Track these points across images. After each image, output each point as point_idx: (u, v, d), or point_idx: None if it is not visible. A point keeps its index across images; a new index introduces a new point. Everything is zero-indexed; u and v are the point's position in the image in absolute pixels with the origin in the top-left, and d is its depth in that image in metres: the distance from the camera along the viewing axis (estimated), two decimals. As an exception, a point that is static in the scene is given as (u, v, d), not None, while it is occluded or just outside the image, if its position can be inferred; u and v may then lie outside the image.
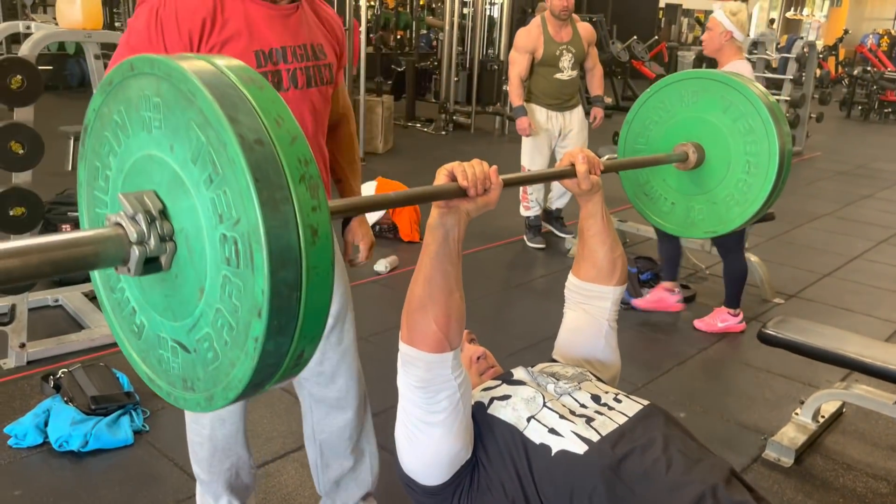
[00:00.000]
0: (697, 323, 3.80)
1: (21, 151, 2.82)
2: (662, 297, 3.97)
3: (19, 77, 2.78)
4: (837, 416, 2.93)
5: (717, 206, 1.82)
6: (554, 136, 4.79)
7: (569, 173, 1.49)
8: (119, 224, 0.85)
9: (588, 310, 1.62)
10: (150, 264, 0.88)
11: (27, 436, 2.49)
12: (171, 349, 0.95)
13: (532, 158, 4.82)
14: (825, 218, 6.18)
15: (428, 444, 1.30)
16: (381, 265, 4.36)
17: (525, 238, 5.03)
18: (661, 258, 3.99)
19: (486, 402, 1.41)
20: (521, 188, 4.91)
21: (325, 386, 1.92)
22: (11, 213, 2.83)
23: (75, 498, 2.26)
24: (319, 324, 0.87)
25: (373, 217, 4.92)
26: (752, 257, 4.26)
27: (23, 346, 3.03)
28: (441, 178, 1.22)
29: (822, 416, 2.82)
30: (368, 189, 5.02)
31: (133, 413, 2.64)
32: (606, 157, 4.73)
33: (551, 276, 4.52)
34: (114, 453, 2.47)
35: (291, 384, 2.15)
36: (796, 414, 2.80)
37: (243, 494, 1.98)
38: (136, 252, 0.85)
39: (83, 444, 2.45)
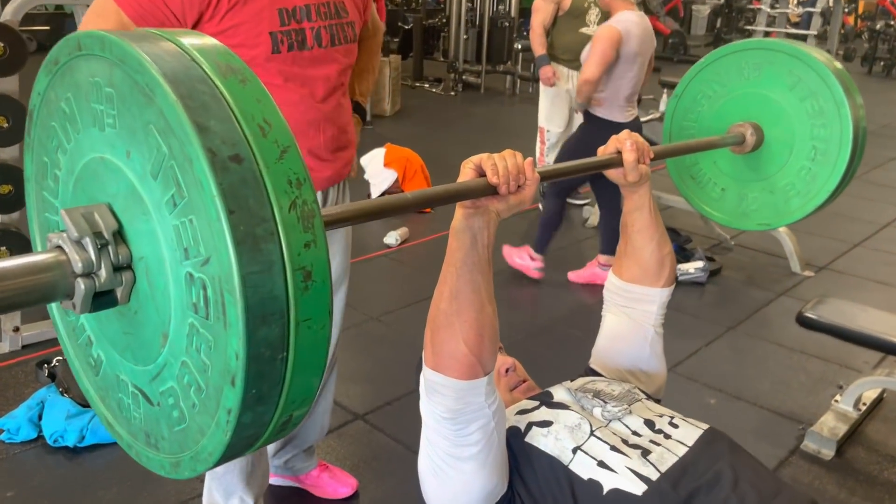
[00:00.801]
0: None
1: (6, 125, 2.63)
2: (596, 272, 3.67)
3: (1, 45, 2.57)
4: (878, 402, 2.76)
5: (775, 196, 1.65)
6: (573, 97, 4.54)
7: (614, 162, 1.30)
8: (61, 248, 0.67)
9: (631, 314, 1.44)
10: (103, 298, 0.70)
11: (20, 430, 2.34)
12: (133, 396, 0.78)
13: (550, 118, 4.58)
14: (853, 183, 5.93)
15: (458, 479, 1.13)
16: (392, 237, 4.17)
17: (540, 206, 4.82)
18: (601, 230, 3.75)
19: (522, 428, 1.23)
20: (537, 151, 4.69)
21: None
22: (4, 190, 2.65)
23: (71, 499, 2.12)
24: (311, 387, 0.70)
25: (381, 186, 4.73)
26: (780, 227, 4.06)
27: (17, 329, 2.87)
28: (467, 174, 1.04)
29: (864, 404, 2.65)
30: (377, 156, 4.82)
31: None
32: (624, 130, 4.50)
33: (568, 248, 4.33)
34: (112, 449, 2.32)
35: None
36: (836, 401, 2.62)
37: (257, 491, 1.89)
38: (81, 286, 0.67)
39: (79, 438, 2.30)
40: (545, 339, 3.21)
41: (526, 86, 9.05)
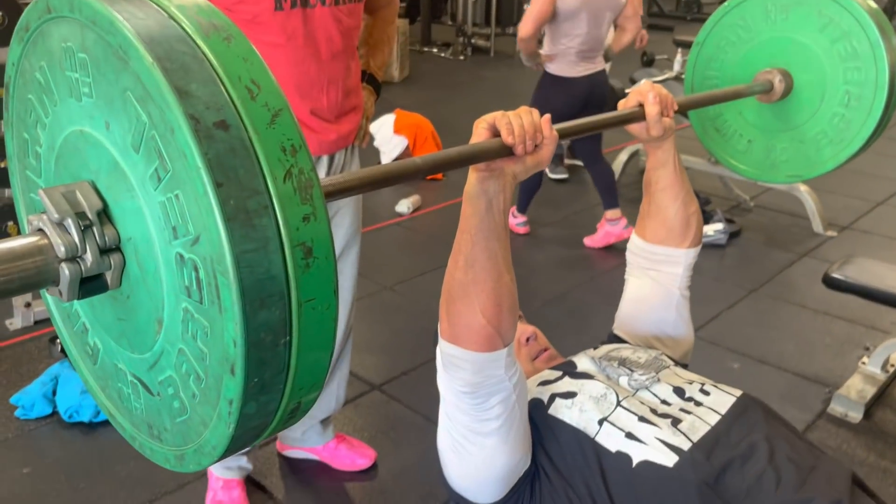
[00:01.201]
0: (587, 241, 3.71)
1: (8, 96, 2.57)
2: (608, 230, 3.67)
3: (0, 13, 2.50)
4: (905, 362, 2.70)
5: (805, 146, 1.56)
6: None
7: (637, 116, 1.21)
8: (42, 231, 0.62)
9: (656, 277, 1.37)
10: (91, 283, 0.64)
11: (35, 406, 2.32)
12: (132, 385, 0.73)
13: None
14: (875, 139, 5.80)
15: (480, 455, 1.09)
16: (403, 206, 4.10)
17: (546, 168, 4.73)
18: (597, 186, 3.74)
19: (545, 399, 1.18)
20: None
21: None
22: (2, 164, 2.60)
23: (89, 474, 2.11)
24: (321, 372, 0.64)
25: (391, 153, 4.66)
26: (801, 186, 3.97)
27: (28, 305, 2.85)
28: (481, 134, 0.96)
29: (892, 366, 2.59)
30: (386, 123, 4.74)
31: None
32: (643, 80, 4.40)
33: (582, 212, 4.25)
34: (128, 424, 2.31)
35: None
36: (863, 363, 2.56)
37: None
38: (66, 272, 0.62)
39: (94, 414, 2.28)
40: (564, 306, 3.16)
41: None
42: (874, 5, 1.47)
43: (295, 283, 0.58)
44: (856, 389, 2.46)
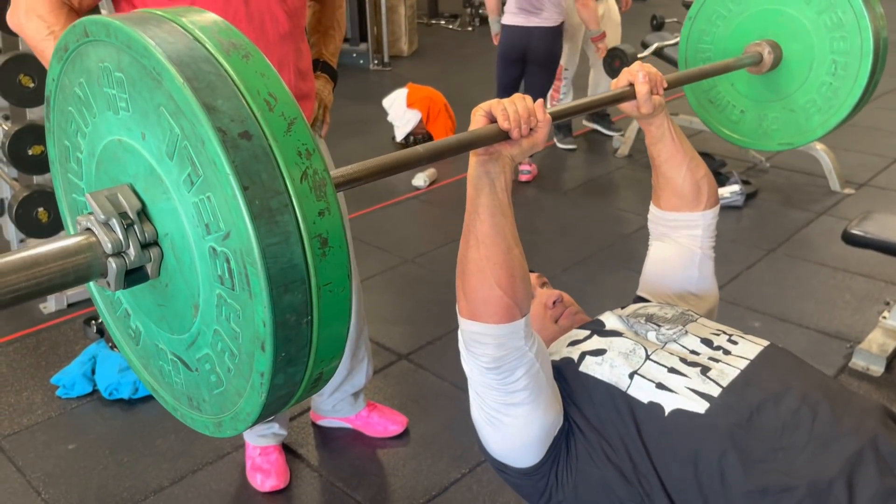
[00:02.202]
0: None
1: (32, 84, 2.61)
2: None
3: (19, 3, 2.53)
4: (926, 315, 2.72)
5: (796, 115, 1.61)
6: (584, 31, 4.39)
7: (627, 95, 1.27)
8: (90, 230, 0.70)
9: (677, 239, 1.41)
10: (134, 274, 0.73)
11: (75, 385, 2.39)
12: (172, 363, 0.81)
13: (570, 58, 4.48)
14: (888, 95, 5.73)
15: (514, 424, 1.12)
16: (420, 179, 4.13)
17: (556, 140, 4.72)
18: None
19: (575, 358, 1.21)
20: (552, 86, 4.58)
21: None
22: (30, 152, 2.65)
23: (131, 448, 2.19)
24: (339, 345, 0.73)
25: (405, 128, 4.68)
26: (817, 145, 3.95)
27: (61, 289, 2.92)
28: (478, 121, 1.03)
29: (913, 319, 2.61)
30: (399, 98, 4.75)
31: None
32: (655, 44, 4.35)
33: (600, 178, 4.27)
34: (166, 399, 2.38)
35: None
36: (884, 317, 2.58)
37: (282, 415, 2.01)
38: (113, 265, 0.70)
39: (133, 391, 2.36)
40: (585, 271, 3.19)
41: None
42: None
43: (314, 270, 0.66)
44: (877, 343, 2.49)
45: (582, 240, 3.50)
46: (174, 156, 0.67)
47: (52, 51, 1.36)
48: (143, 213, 0.71)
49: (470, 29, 8.72)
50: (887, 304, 2.64)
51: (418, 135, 4.70)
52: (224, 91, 0.63)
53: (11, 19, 1.44)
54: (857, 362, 2.47)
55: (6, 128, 2.69)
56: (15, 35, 2.59)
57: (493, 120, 1.03)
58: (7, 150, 2.62)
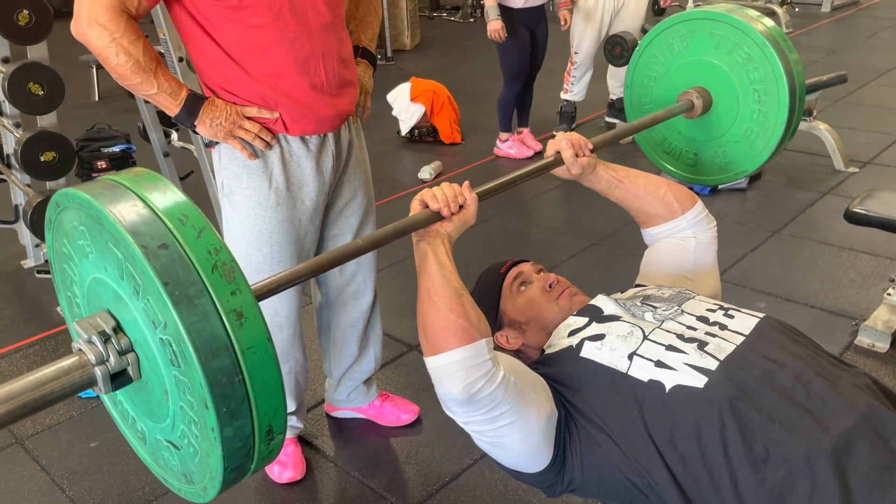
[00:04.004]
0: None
1: (41, 92, 2.66)
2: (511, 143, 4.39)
3: (26, 12, 2.59)
4: (930, 291, 2.74)
5: (741, 144, 1.75)
6: (608, 12, 4.38)
7: (555, 162, 1.43)
8: (80, 350, 0.89)
9: (670, 240, 1.49)
10: (120, 378, 0.91)
11: (95, 385, 2.46)
12: (167, 448, 0.98)
13: (575, 40, 4.49)
14: (892, 73, 5.71)
15: (515, 440, 1.16)
16: (426, 172, 4.17)
17: (554, 132, 4.76)
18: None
19: (575, 345, 1.24)
20: (566, 69, 4.60)
21: (345, 284, 2.04)
22: (42, 158, 2.71)
23: (151, 444, 2.24)
24: (277, 398, 0.88)
25: (410, 121, 4.71)
26: (819, 125, 3.96)
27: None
28: (415, 208, 1.23)
29: (917, 295, 2.63)
30: (403, 92, 4.78)
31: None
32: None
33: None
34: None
35: (309, 285, 2.18)
36: (888, 294, 2.60)
37: (299, 395, 2.09)
38: (98, 372, 0.88)
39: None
40: (590, 259, 3.23)
41: (548, 5, 8.81)
42: (752, 13, 1.67)
43: (235, 338, 0.83)
44: (882, 320, 2.52)
45: (588, 227, 3.53)
46: (123, 275, 0.86)
47: (115, 58, 1.42)
48: (119, 328, 0.90)
49: (472, 20, 8.74)
50: (892, 280, 2.66)
51: (423, 127, 4.74)
52: (146, 218, 0.83)
53: (75, 29, 1.50)
54: (863, 339, 2.50)
55: (18, 135, 2.75)
56: (23, 44, 2.65)
57: (427, 206, 1.21)
58: (20, 156, 2.68)
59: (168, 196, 0.86)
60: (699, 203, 1.48)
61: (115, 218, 0.82)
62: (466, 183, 1.24)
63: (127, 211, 0.83)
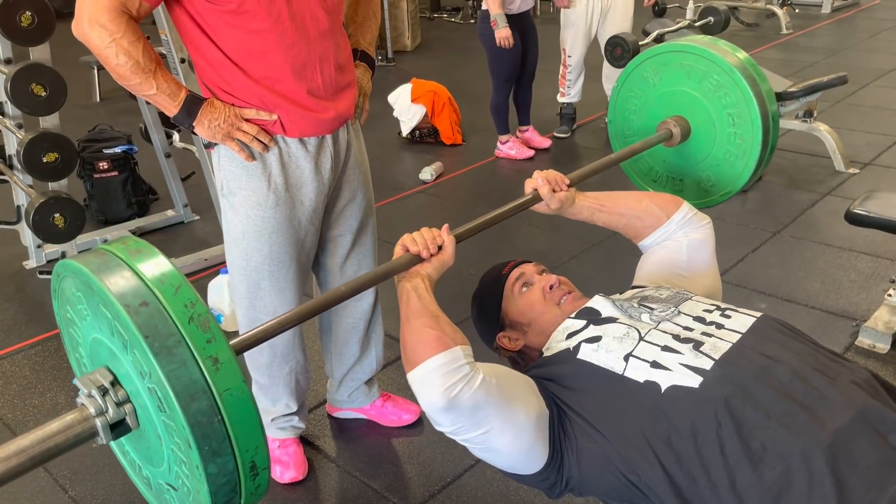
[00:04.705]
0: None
1: (44, 94, 2.67)
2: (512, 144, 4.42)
3: (28, 13, 2.59)
4: (931, 291, 2.74)
5: (722, 167, 1.82)
6: (596, 14, 4.41)
7: (534, 199, 1.49)
8: (82, 404, 0.98)
9: (664, 244, 1.53)
10: (120, 427, 0.98)
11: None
12: (167, 490, 1.05)
13: (566, 41, 4.50)
14: (893, 74, 5.71)
15: (506, 441, 1.17)
16: (427, 173, 4.18)
17: (555, 132, 4.77)
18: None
19: (572, 347, 1.26)
20: (560, 73, 4.61)
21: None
22: (45, 159, 2.71)
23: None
24: (257, 435, 0.95)
25: (410, 122, 4.72)
26: (820, 126, 3.97)
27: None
28: (397, 252, 1.31)
29: (918, 296, 2.64)
30: (404, 93, 4.79)
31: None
32: (656, 31, 4.36)
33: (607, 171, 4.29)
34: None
35: (312, 287, 2.15)
36: (889, 295, 2.60)
37: (300, 396, 2.10)
38: (98, 423, 0.96)
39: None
40: (591, 259, 3.23)
41: (547, 6, 8.82)
42: (720, 42, 1.75)
43: (212, 382, 0.90)
44: (882, 321, 2.52)
45: (588, 228, 3.51)
46: (114, 333, 0.95)
47: (115, 59, 1.44)
48: (116, 382, 0.98)
49: (472, 21, 8.73)
50: (893, 281, 2.67)
51: (424, 128, 4.74)
52: (129, 280, 0.93)
53: (76, 29, 1.51)
54: (864, 340, 2.50)
55: (20, 136, 2.76)
56: (25, 45, 2.65)
57: (407, 249, 1.29)
58: (22, 157, 2.68)
59: (150, 260, 0.96)
60: (684, 204, 1.51)
61: (102, 282, 0.92)
62: (445, 226, 1.33)
63: (113, 276, 0.93)
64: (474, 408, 1.13)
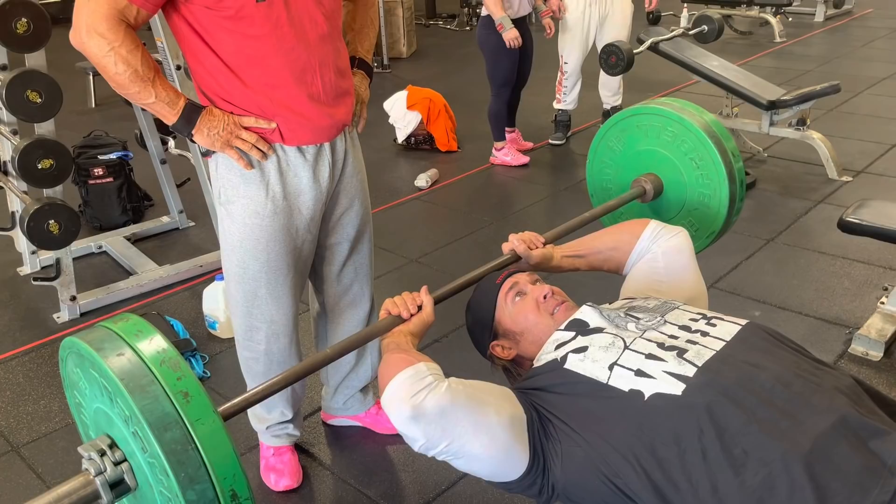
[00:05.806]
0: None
1: (39, 100, 2.66)
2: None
3: (24, 20, 2.59)
4: (924, 300, 2.75)
5: (700, 210, 1.91)
6: (593, 21, 4.41)
7: (512, 259, 1.59)
8: (86, 469, 1.08)
9: (642, 260, 1.62)
10: (119, 487, 1.07)
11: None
12: None
13: (564, 47, 4.52)
14: (886, 82, 5.74)
15: (481, 444, 1.17)
16: (422, 180, 4.19)
17: (550, 139, 4.79)
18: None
19: (559, 358, 1.27)
20: (557, 79, 4.63)
21: (343, 293, 2.05)
22: (40, 166, 2.70)
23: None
24: (232, 462, 1.02)
25: (406, 130, 4.73)
26: (813, 134, 3.99)
27: (73, 298, 2.98)
28: (382, 315, 1.42)
29: (910, 304, 2.65)
30: (399, 100, 4.80)
31: (192, 360, 2.60)
32: (650, 40, 4.37)
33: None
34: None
35: (307, 295, 2.15)
36: (882, 303, 2.61)
37: (296, 404, 2.09)
38: (97, 482, 1.06)
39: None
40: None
41: (529, 16, 8.85)
42: (666, 100, 1.89)
43: (183, 413, 1.01)
44: (875, 329, 2.53)
45: (583, 234, 3.54)
46: (102, 391, 1.07)
47: (113, 67, 1.45)
48: (114, 445, 1.09)
49: (468, 28, 8.75)
50: (885, 289, 2.68)
51: (419, 135, 4.75)
52: (107, 336, 1.06)
53: (74, 38, 1.51)
54: (857, 348, 2.51)
55: (15, 142, 2.75)
56: (21, 52, 2.65)
57: (389, 313, 1.40)
58: (17, 164, 2.68)
59: (130, 322, 1.09)
60: (651, 223, 1.60)
61: (85, 344, 1.05)
62: (424, 287, 1.44)
63: (94, 337, 1.06)
64: (441, 413, 1.15)
